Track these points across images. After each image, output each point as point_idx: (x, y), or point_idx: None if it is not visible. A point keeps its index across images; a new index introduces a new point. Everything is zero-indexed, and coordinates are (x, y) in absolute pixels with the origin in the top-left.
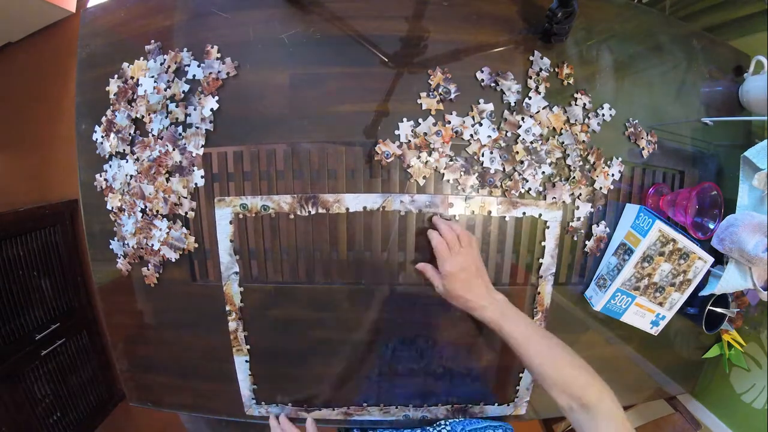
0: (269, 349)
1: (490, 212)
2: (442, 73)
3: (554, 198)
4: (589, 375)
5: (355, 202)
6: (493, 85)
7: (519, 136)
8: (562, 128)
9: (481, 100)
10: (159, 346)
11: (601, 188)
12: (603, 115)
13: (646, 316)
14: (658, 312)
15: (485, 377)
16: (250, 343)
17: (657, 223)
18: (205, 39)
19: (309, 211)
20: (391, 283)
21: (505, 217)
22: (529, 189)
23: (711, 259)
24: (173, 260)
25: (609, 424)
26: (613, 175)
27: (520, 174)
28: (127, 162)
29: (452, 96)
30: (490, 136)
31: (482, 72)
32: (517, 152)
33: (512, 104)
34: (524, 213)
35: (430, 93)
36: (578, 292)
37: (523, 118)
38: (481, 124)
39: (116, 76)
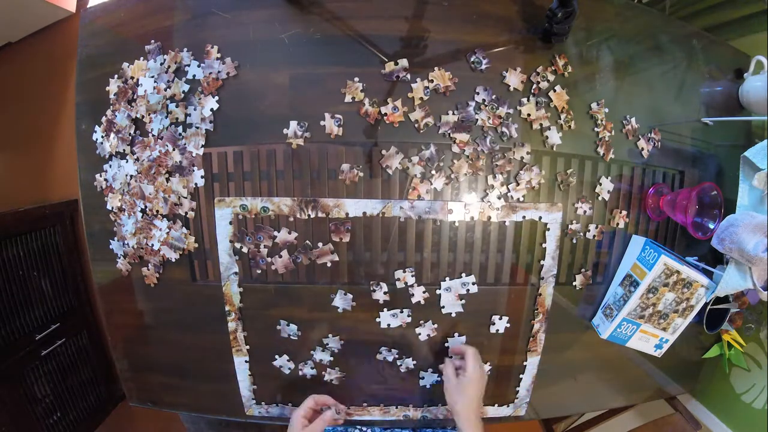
0: (269, 349)
1: (489, 218)
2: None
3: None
4: None
5: (355, 207)
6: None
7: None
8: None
9: (479, 88)
10: (159, 346)
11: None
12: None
13: (650, 341)
14: (662, 336)
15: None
16: (250, 343)
17: (662, 257)
18: (205, 39)
19: (309, 215)
20: (390, 284)
21: (505, 221)
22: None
23: (714, 286)
24: (173, 260)
25: None
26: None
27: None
28: (127, 162)
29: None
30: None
31: (475, 53)
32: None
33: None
34: (524, 217)
35: (426, 91)
36: (583, 293)
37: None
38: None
39: (116, 76)
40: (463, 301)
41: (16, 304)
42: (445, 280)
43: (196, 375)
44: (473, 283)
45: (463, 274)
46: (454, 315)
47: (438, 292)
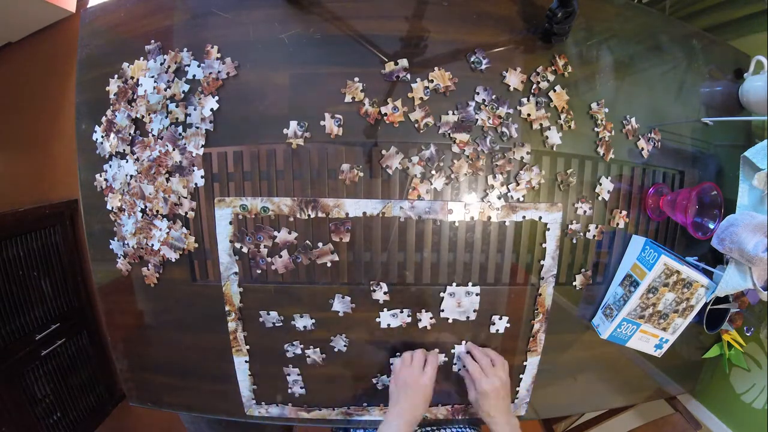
0: (268, 349)
1: (489, 218)
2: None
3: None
4: None
5: (354, 207)
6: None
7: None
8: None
9: (480, 88)
10: (159, 346)
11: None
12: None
13: (650, 341)
14: (662, 336)
15: None
16: (250, 343)
17: (662, 257)
18: (205, 39)
19: (309, 215)
20: (390, 284)
21: (505, 221)
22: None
23: (714, 286)
24: (173, 260)
25: None
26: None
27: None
28: (127, 162)
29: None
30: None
31: (475, 53)
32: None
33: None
34: (524, 217)
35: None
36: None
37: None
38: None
39: (116, 76)
40: (463, 309)
41: (16, 304)
42: (451, 285)
43: (196, 375)
44: (477, 294)
45: (470, 283)
46: (450, 321)
47: (441, 294)
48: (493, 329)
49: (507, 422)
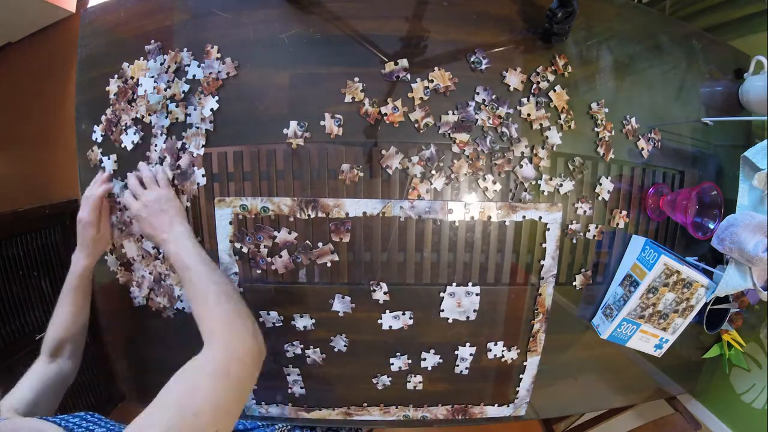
0: (268, 349)
1: (489, 217)
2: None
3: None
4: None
5: (354, 207)
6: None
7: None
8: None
9: (480, 88)
10: (159, 346)
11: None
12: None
13: (650, 341)
14: (662, 336)
15: (485, 378)
16: None
17: (662, 257)
18: (205, 39)
19: (309, 215)
20: (390, 284)
21: (505, 221)
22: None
23: (714, 286)
24: None
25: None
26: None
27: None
28: None
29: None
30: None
31: (475, 53)
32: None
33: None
34: (524, 216)
35: (426, 91)
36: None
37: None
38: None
39: (116, 76)
40: (463, 309)
41: (16, 304)
42: (451, 285)
43: None
44: (477, 294)
45: (470, 283)
46: (450, 321)
47: (441, 294)
48: (492, 329)
49: (167, 239)
